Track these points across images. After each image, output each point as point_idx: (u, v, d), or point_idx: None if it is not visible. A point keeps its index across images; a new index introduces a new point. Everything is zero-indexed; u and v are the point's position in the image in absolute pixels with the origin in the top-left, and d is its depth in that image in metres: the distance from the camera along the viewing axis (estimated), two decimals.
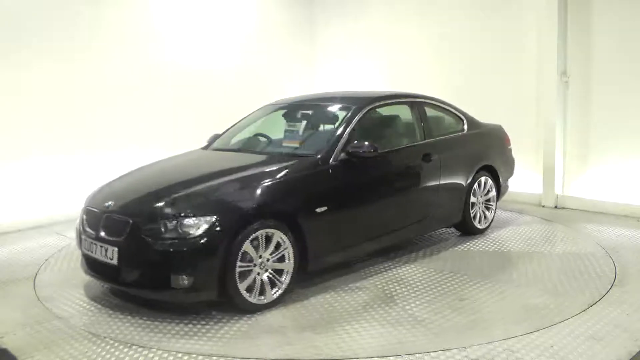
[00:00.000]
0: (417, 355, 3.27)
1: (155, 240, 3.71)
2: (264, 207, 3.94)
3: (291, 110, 5.39)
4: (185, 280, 3.66)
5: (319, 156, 4.41)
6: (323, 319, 3.80)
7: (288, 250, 4.01)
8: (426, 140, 5.25)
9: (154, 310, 3.99)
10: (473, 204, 5.65)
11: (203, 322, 3.79)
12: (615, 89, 6.47)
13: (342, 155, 4.46)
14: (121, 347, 3.46)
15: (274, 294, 3.98)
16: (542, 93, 6.99)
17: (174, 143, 5.87)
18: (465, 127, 5.78)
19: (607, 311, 3.81)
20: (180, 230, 3.69)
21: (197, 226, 3.69)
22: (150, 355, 3.35)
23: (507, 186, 6.28)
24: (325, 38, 9.63)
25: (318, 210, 4.17)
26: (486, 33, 7.52)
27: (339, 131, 4.62)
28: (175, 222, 3.72)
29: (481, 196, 5.77)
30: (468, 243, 5.52)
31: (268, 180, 4.10)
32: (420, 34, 8.33)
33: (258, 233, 3.84)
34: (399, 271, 4.73)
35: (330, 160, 4.40)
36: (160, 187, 4.19)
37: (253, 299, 3.86)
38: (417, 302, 4.05)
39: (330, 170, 4.37)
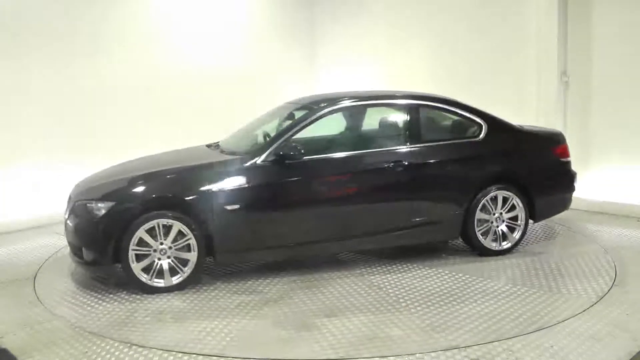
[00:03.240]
0: (417, 355, 3.28)
1: (78, 218, 4.40)
2: (162, 199, 4.31)
3: (287, 110, 5.39)
4: (89, 255, 4.31)
5: (245, 156, 4.56)
6: (198, 312, 3.99)
7: (192, 242, 4.28)
8: (404, 146, 4.85)
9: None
10: (484, 220, 4.98)
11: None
12: (616, 89, 6.46)
13: (272, 157, 4.49)
14: (121, 347, 3.46)
15: (174, 280, 4.30)
16: (542, 93, 6.99)
17: (174, 143, 5.85)
18: (483, 133, 5.07)
19: (607, 311, 3.81)
20: (93, 212, 4.29)
21: (101, 210, 4.26)
22: (150, 355, 3.35)
23: (556, 205, 5.38)
24: (326, 39, 9.62)
25: (228, 207, 4.31)
26: (486, 33, 7.51)
27: (279, 132, 4.70)
28: (91, 204, 4.33)
29: (501, 213, 5.00)
30: (458, 263, 4.89)
31: (179, 175, 4.48)
32: (420, 34, 8.32)
33: (154, 222, 4.22)
34: (329, 282, 4.50)
35: (258, 161, 4.48)
36: (110, 175, 4.77)
37: (148, 280, 4.26)
38: (285, 311, 3.96)
39: (254, 170, 4.45)
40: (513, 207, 5.03)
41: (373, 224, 4.76)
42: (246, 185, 4.42)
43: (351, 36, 9.24)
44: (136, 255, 4.23)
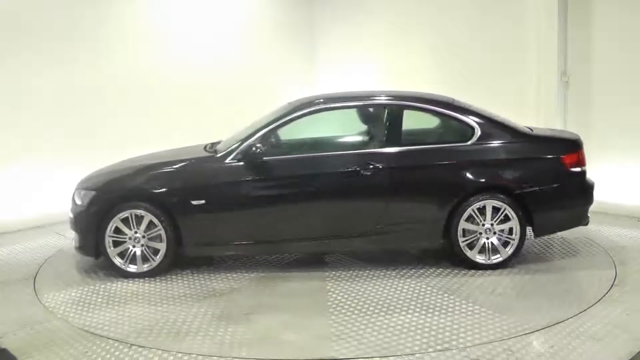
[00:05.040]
0: (417, 355, 3.28)
1: (74, 205, 4.85)
2: (135, 191, 4.69)
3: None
4: (78, 240, 4.77)
5: (217, 154, 4.76)
6: (143, 297, 4.30)
7: (161, 232, 4.60)
8: (378, 149, 4.72)
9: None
10: (470, 231, 4.65)
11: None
12: (615, 89, 6.45)
13: (240, 156, 4.67)
14: (121, 347, 3.47)
15: (145, 267, 4.67)
16: (542, 93, 6.98)
17: (174, 143, 5.87)
18: (475, 137, 4.72)
19: (607, 311, 3.81)
20: (82, 200, 4.75)
21: (87, 198, 4.71)
22: (150, 355, 3.36)
23: (564, 220, 4.90)
24: (326, 39, 9.61)
25: (194, 202, 4.57)
26: (486, 33, 7.51)
27: (252, 131, 4.78)
28: (82, 193, 4.80)
29: (491, 224, 4.63)
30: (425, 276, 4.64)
31: (153, 169, 4.80)
32: (420, 34, 8.31)
33: (127, 212, 4.59)
34: (285, 281, 4.59)
35: (228, 159, 4.67)
36: (110, 168, 5.12)
37: (122, 265, 4.66)
38: (222, 305, 4.11)
39: (222, 168, 4.66)
40: (506, 219, 4.65)
41: (337, 227, 4.71)
42: (213, 182, 4.65)
43: (351, 36, 9.23)
44: (114, 241, 4.63)
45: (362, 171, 4.61)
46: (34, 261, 5.26)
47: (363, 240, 4.74)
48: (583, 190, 4.87)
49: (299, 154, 4.90)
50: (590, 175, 5.04)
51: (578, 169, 4.79)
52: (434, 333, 3.57)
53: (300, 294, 4.33)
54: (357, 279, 4.59)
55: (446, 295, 4.20)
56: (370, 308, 3.99)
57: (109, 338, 3.59)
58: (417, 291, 4.30)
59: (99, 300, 4.26)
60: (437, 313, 3.88)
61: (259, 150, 4.62)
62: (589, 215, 4.96)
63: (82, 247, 4.76)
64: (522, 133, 4.91)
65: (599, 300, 4.00)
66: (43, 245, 5.78)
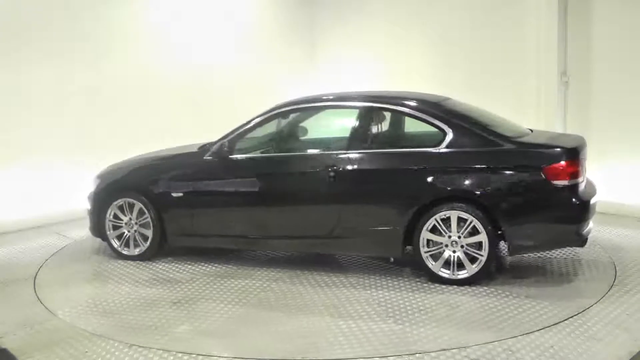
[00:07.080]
0: (417, 355, 3.28)
1: (90, 191, 5.39)
2: (127, 181, 5.24)
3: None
4: (89, 222, 5.34)
5: (198, 152, 5.09)
6: (108, 278, 4.77)
7: (149, 220, 5.03)
8: (340, 152, 4.63)
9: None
10: (436, 242, 4.33)
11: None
12: (615, 89, 6.46)
13: (217, 154, 4.94)
14: (121, 347, 3.47)
15: (136, 251, 5.16)
16: (542, 93, 6.99)
17: (175, 142, 5.88)
18: (445, 142, 4.36)
19: (607, 311, 3.81)
20: (94, 187, 5.34)
21: (95, 185, 5.32)
22: (150, 355, 3.36)
23: (546, 239, 4.29)
24: (326, 38, 9.62)
25: (174, 194, 4.96)
26: (486, 33, 7.51)
27: (229, 131, 5.01)
28: (96, 180, 5.37)
29: (458, 237, 4.24)
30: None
31: (143, 164, 5.30)
32: (421, 33, 8.32)
33: (122, 200, 5.12)
34: (247, 276, 4.70)
35: (204, 157, 4.97)
36: (125, 160, 5.57)
37: (118, 247, 5.21)
38: (166, 292, 4.37)
39: (198, 165, 5.01)
40: (477, 232, 4.23)
41: (298, 228, 4.75)
42: (190, 177, 5.01)
43: (351, 35, 9.23)
44: (113, 225, 5.20)
45: (322, 173, 4.58)
46: (34, 261, 5.26)
47: (324, 242, 4.71)
48: (570, 206, 4.17)
49: (263, 154, 5.10)
50: (590, 175, 4.75)
51: (564, 182, 4.12)
52: (313, 339, 3.52)
53: (241, 290, 4.40)
54: (311, 283, 4.53)
55: (375, 306, 4.01)
56: (285, 310, 4.00)
57: (109, 338, 3.59)
58: (349, 299, 4.14)
59: (80, 276, 4.75)
60: (340, 321, 3.77)
61: (227, 149, 4.87)
62: (584, 234, 4.26)
63: (92, 229, 5.34)
64: (506, 139, 4.36)
65: (599, 300, 4.00)
66: (43, 245, 5.79)
